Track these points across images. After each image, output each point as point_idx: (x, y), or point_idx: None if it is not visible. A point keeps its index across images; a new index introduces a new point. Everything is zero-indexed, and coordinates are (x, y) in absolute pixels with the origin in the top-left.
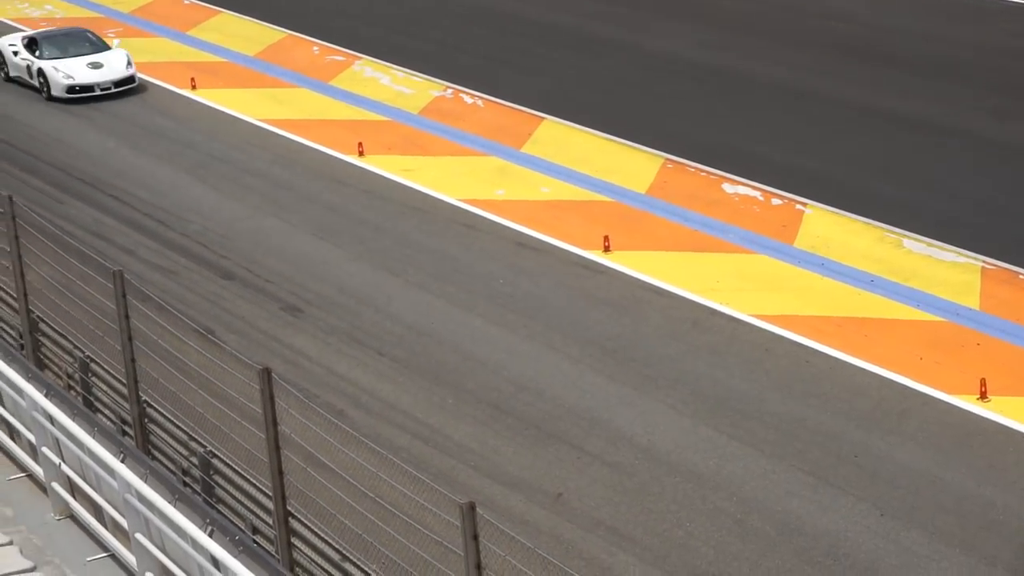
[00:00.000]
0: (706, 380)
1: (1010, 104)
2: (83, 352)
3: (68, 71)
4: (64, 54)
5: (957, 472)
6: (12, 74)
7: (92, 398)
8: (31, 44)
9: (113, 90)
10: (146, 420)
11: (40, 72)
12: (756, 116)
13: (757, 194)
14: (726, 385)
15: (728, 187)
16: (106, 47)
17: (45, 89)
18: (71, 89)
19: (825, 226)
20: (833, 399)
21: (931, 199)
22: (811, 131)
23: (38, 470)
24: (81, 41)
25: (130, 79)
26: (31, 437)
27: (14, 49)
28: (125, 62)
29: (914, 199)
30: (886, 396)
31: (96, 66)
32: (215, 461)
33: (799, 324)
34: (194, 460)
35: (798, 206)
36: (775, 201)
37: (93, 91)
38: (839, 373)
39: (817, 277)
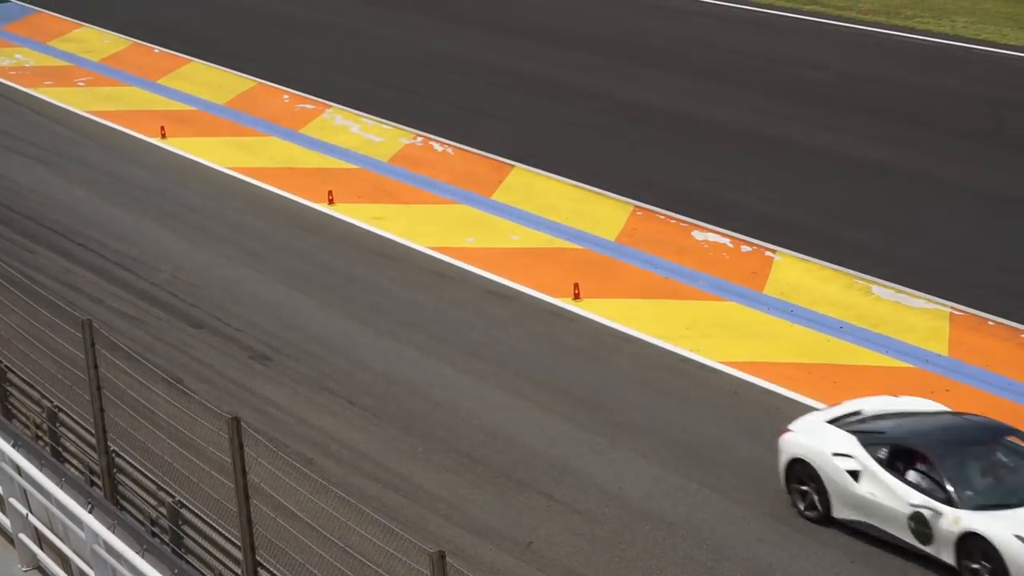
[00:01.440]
0: (676, 427)
1: (977, 150)
2: (51, 402)
3: None
4: (1001, 490)
5: None
6: (840, 514)
7: (60, 448)
8: (899, 458)
9: None
10: (114, 470)
11: (969, 541)
12: (726, 163)
13: (727, 241)
14: (696, 432)
15: (698, 234)
16: None
17: None
18: None
19: (795, 273)
20: None
21: (900, 245)
22: (781, 178)
23: (5, 521)
24: (1005, 449)
25: None
26: None
27: (849, 465)
28: None
29: (883, 246)
30: None
31: None
32: (184, 511)
33: (769, 371)
34: (163, 510)
35: (768, 253)
36: (744, 248)
37: None
38: None
39: (787, 324)
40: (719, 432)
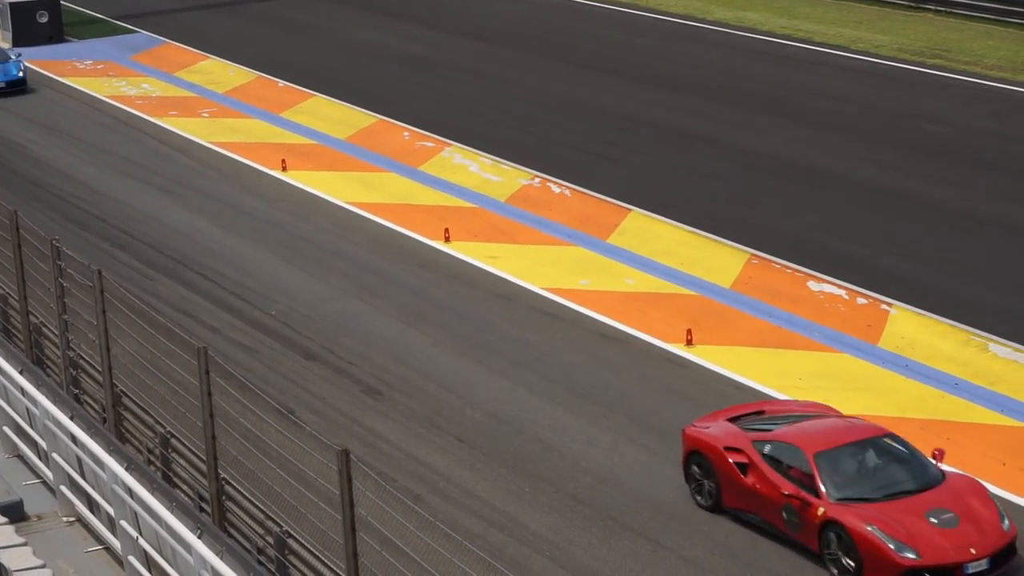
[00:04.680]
0: None
1: None
2: (164, 427)
3: None
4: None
5: None
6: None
7: (171, 473)
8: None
9: None
10: (224, 497)
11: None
12: (844, 214)
13: (842, 293)
14: None
15: (813, 285)
16: None
17: None
18: None
19: (910, 327)
20: None
21: (1019, 303)
22: (899, 231)
23: (115, 543)
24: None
25: None
26: (110, 510)
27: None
28: None
29: (1001, 303)
30: None
31: None
32: (290, 541)
33: (881, 425)
34: (269, 539)
35: (883, 306)
36: (860, 300)
37: None
38: None
39: (900, 378)
40: None
